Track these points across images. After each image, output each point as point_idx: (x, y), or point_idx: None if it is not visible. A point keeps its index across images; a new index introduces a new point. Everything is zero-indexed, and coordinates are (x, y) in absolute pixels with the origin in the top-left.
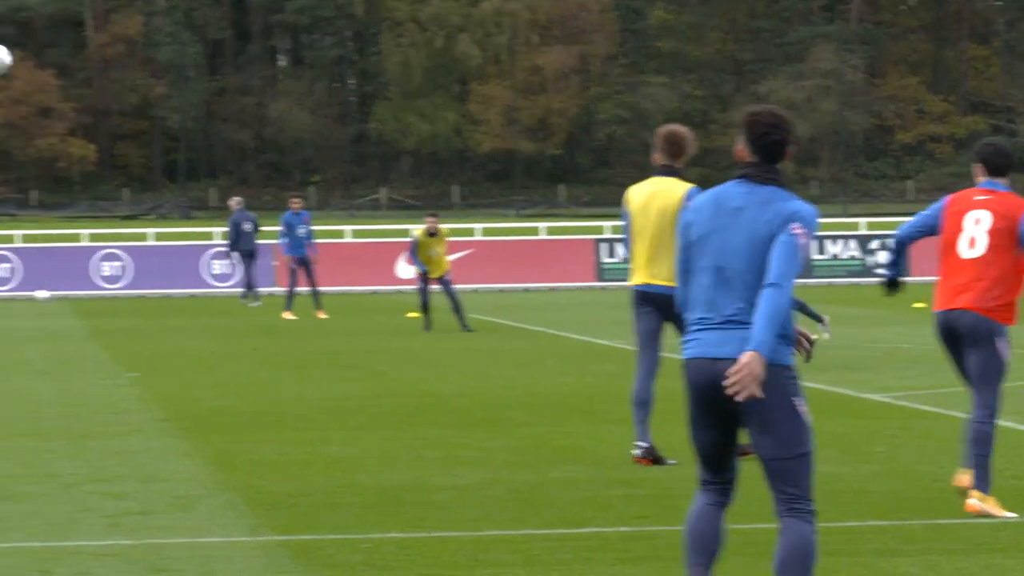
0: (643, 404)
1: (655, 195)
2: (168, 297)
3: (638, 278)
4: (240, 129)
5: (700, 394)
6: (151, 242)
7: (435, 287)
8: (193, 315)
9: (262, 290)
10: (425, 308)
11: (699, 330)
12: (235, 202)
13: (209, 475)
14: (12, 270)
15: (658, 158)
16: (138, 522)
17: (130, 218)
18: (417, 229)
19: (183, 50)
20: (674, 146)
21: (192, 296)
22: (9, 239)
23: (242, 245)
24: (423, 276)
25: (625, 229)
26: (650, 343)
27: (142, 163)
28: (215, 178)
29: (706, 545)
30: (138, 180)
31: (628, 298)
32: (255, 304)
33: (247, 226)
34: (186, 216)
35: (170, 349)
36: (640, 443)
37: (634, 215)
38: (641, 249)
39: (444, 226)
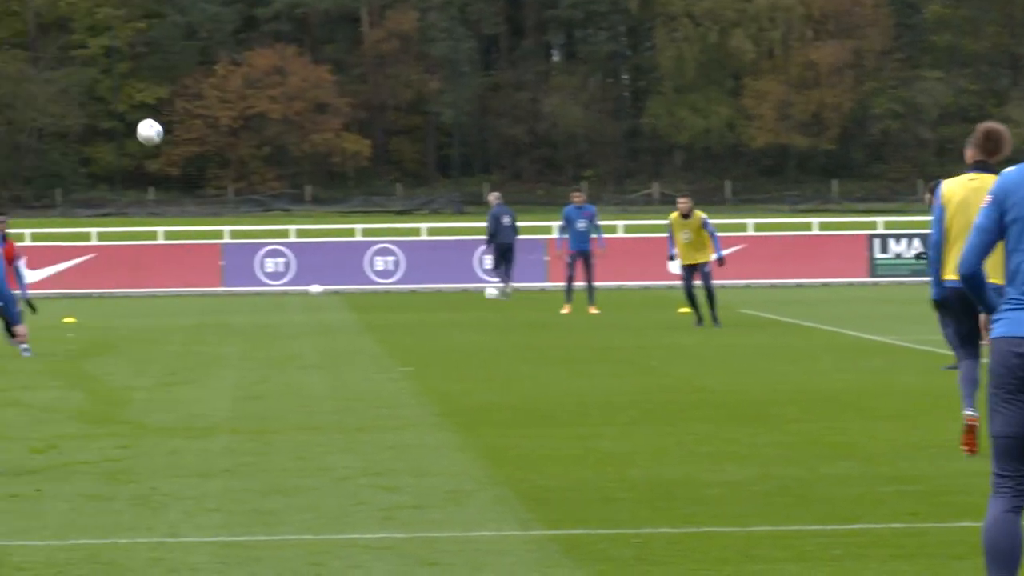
0: (971, 381)
1: (977, 191)
2: (440, 292)
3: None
4: (514, 124)
5: (1005, 371)
6: (424, 237)
7: (699, 283)
8: (465, 309)
9: (531, 285)
10: (692, 301)
11: (1009, 310)
12: (494, 197)
13: (481, 469)
14: (287, 264)
15: (972, 154)
16: (411, 516)
17: (403, 213)
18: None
19: (457, 45)
20: (992, 143)
21: (464, 291)
22: (284, 234)
23: (500, 238)
24: (683, 266)
25: (936, 224)
26: (969, 344)
27: (416, 158)
28: (488, 173)
29: (1005, 556)
30: (411, 175)
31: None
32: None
33: (506, 220)
34: (459, 211)
35: (442, 344)
36: (969, 411)
37: (952, 211)
38: (961, 245)
39: (716, 220)
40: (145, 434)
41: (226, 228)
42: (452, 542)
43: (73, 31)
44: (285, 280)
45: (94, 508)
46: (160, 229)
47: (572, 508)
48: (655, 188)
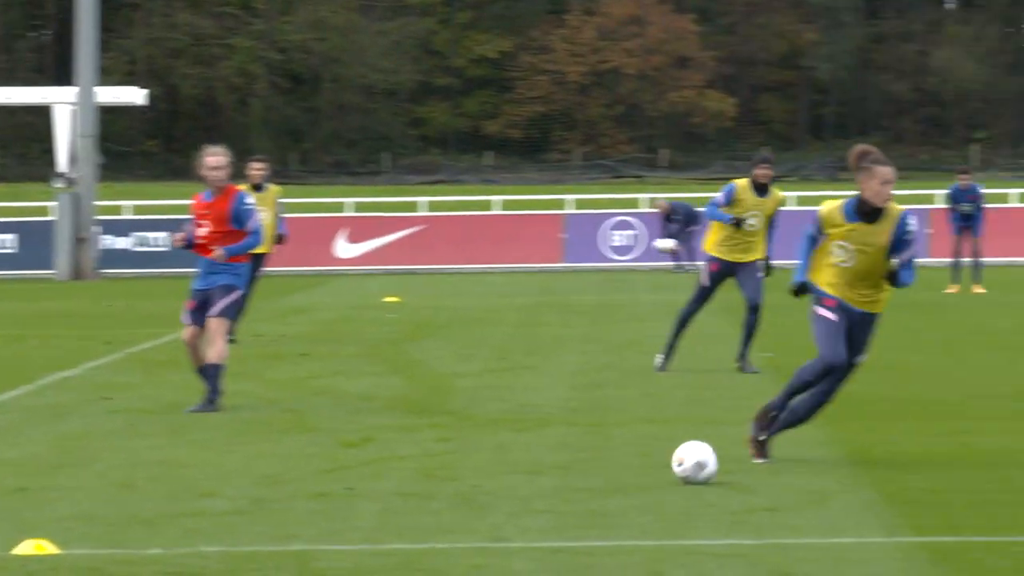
0: None
1: None
2: None
3: None
4: (897, 80)
5: None
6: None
7: None
8: None
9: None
10: None
11: None
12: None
13: (845, 468)
14: (636, 237)
15: None
16: (763, 520)
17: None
18: None
19: None
20: None
21: None
22: (634, 203)
23: None
24: None
25: None
26: None
27: (785, 119)
28: (866, 134)
29: None
30: (779, 137)
31: None
32: None
33: None
34: (832, 177)
35: (807, 327)
36: None
37: None
38: None
39: None
40: (470, 426)
41: (570, 197)
42: (809, 550)
43: None
44: (634, 255)
45: (410, 508)
46: (496, 198)
47: (944, 513)
48: None
